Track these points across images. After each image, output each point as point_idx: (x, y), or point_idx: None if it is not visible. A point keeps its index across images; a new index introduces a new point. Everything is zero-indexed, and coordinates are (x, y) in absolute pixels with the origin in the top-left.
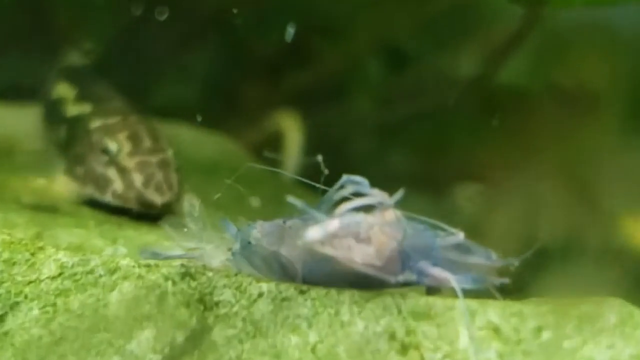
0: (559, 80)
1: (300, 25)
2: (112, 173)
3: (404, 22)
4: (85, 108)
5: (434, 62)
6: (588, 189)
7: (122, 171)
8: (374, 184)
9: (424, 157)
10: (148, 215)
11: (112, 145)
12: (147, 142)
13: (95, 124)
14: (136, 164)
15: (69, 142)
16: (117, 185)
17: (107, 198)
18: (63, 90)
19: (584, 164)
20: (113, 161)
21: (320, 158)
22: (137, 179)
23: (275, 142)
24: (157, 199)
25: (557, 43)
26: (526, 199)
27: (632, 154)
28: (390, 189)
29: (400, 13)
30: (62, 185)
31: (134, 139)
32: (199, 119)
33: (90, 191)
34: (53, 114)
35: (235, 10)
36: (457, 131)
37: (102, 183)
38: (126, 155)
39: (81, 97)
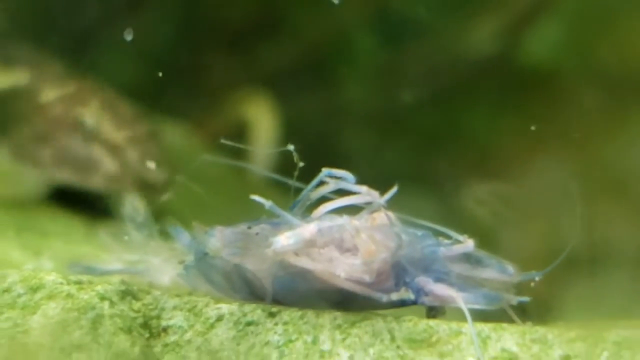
0: (600, 57)
1: None
2: (97, 151)
3: None
4: (19, 77)
5: (440, 34)
6: (630, 189)
7: (111, 148)
8: (364, 183)
9: (427, 151)
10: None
11: (89, 118)
12: (124, 111)
13: (49, 95)
14: (125, 138)
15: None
16: (108, 165)
17: (95, 182)
18: None
19: (626, 159)
20: (94, 137)
21: (292, 147)
22: (132, 155)
23: (241, 131)
24: (160, 177)
25: (599, 11)
26: (553, 201)
27: None
28: (384, 190)
29: None
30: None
31: (109, 108)
32: (160, 74)
33: (66, 176)
34: None
35: None
36: (469, 119)
37: (84, 165)
38: (110, 128)
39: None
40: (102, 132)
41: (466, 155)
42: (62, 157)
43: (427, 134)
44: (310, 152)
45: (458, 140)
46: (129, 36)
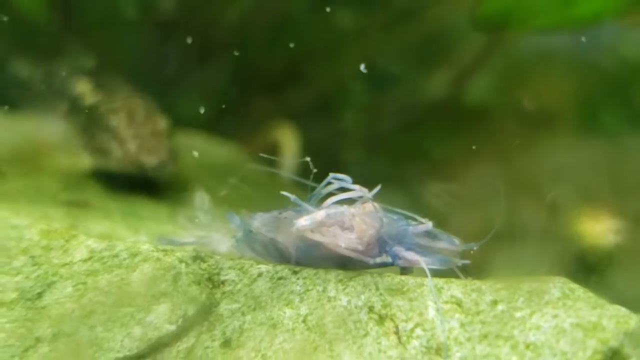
0: (520, 98)
1: (296, 50)
2: (112, 143)
3: (385, 48)
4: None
5: (409, 82)
6: (538, 188)
7: (120, 141)
8: (357, 184)
9: (400, 163)
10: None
11: (113, 122)
12: (140, 117)
13: (102, 108)
14: (131, 134)
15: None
16: (116, 152)
17: (110, 164)
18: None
19: (536, 167)
20: (113, 134)
21: (308, 159)
22: (132, 146)
23: (275, 150)
24: (151, 162)
25: (519, 66)
26: (486, 196)
27: (584, 162)
28: (371, 188)
29: (382, 40)
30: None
31: (131, 116)
32: (202, 110)
33: (98, 159)
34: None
35: (242, 38)
36: (429, 141)
37: (105, 152)
38: (124, 128)
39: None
40: (118, 131)
41: (426, 165)
42: (97, 147)
43: (399, 151)
44: (321, 163)
45: (421, 156)
46: (201, 109)
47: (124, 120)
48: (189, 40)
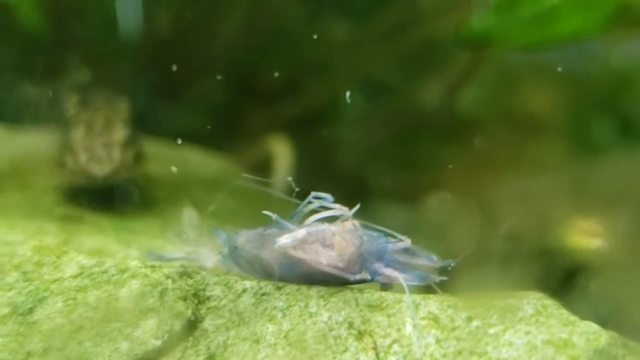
0: (507, 108)
1: (291, 64)
2: (68, 155)
3: (378, 61)
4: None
5: (403, 93)
6: (532, 197)
7: (73, 152)
8: (354, 197)
9: (398, 173)
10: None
11: (73, 134)
12: (98, 129)
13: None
14: (83, 145)
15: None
16: (69, 164)
17: (65, 174)
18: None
19: (530, 177)
20: (70, 145)
21: (290, 179)
22: (82, 157)
23: (268, 162)
24: (99, 172)
25: (505, 79)
26: (478, 206)
27: (569, 168)
28: (368, 201)
29: (375, 53)
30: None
31: (89, 128)
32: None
33: (60, 172)
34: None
35: (237, 51)
36: (420, 151)
37: (62, 163)
38: (79, 139)
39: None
40: (74, 142)
41: (426, 176)
42: (58, 161)
43: (391, 160)
44: (314, 174)
45: (411, 166)
46: (179, 140)
47: (82, 133)
48: (183, 55)
